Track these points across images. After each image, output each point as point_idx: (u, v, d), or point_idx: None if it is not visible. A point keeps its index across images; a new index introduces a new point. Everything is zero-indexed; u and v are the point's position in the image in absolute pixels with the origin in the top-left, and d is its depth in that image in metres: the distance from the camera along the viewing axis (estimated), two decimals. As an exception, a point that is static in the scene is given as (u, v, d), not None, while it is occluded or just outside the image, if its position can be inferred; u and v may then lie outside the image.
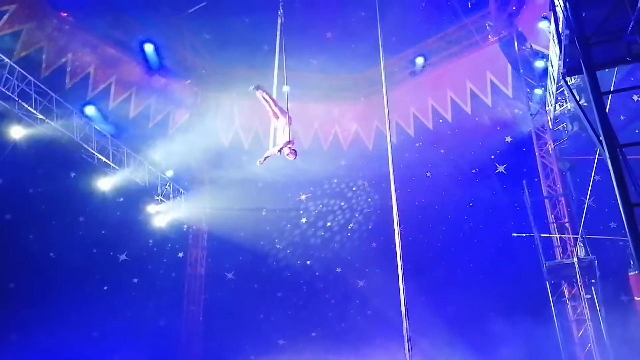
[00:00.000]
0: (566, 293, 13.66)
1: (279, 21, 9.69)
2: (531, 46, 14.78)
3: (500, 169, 16.56)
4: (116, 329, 14.34)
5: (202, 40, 16.14)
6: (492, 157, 16.53)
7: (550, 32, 10.49)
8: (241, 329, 15.72)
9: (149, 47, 15.25)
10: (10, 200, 14.05)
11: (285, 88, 9.51)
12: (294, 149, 8.53)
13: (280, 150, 8.54)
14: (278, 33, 9.61)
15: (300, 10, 13.94)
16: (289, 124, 8.63)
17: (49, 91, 13.15)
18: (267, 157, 8.72)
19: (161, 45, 15.53)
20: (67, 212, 15.16)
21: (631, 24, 6.05)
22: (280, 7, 9.79)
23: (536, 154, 15.16)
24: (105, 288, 15.36)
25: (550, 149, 14.90)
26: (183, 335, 15.91)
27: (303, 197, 17.71)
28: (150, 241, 16.31)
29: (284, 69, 9.50)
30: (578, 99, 9.23)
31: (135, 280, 15.85)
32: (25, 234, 14.62)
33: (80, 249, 15.14)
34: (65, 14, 14.10)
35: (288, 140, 8.48)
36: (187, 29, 15.75)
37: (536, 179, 15.05)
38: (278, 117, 8.71)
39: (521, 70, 15.12)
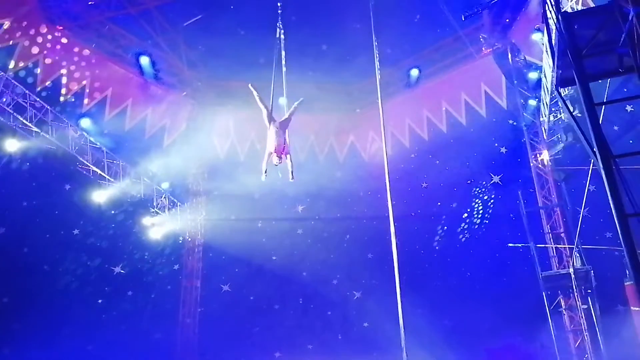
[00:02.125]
0: (563, 303, 13.64)
1: (278, 32, 9.77)
2: (525, 58, 14.89)
3: (496, 179, 16.62)
4: (111, 342, 14.23)
5: (197, 52, 16.20)
6: (487, 167, 16.58)
7: (543, 44, 10.60)
8: (237, 341, 15.62)
9: (144, 60, 15.29)
10: (4, 213, 14.00)
11: (283, 100, 9.57)
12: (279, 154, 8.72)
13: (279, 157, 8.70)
14: (278, 31, 9.69)
15: (296, 22, 14.01)
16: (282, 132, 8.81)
17: (44, 104, 13.18)
18: (266, 167, 8.86)
19: (157, 58, 15.58)
20: (62, 225, 15.10)
21: (623, 37, 6.11)
22: (279, 23, 9.87)
23: (531, 164, 15.22)
24: (99, 301, 15.28)
25: (545, 160, 14.96)
26: (178, 348, 15.78)
27: (299, 208, 17.69)
28: (146, 253, 16.24)
29: (283, 81, 9.58)
30: (572, 110, 9.29)
31: (130, 292, 15.76)
32: (19, 247, 14.53)
33: (74, 262, 15.10)
34: (60, 28, 14.15)
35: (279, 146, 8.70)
36: (182, 41, 15.81)
37: (531, 190, 15.09)
38: (277, 126, 8.85)
39: (515, 82, 15.20)
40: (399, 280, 7.71)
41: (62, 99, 14.66)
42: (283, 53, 9.75)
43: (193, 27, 15.15)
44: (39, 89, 13.95)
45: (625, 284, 12.35)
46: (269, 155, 8.81)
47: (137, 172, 15.44)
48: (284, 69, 9.72)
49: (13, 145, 12.89)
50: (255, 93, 9.22)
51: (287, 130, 9.00)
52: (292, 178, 8.94)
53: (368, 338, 15.52)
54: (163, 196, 16.32)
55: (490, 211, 16.37)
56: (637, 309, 11.71)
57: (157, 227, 16.09)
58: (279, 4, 9.79)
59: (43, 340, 13.43)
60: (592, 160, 6.29)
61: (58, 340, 13.50)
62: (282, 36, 9.81)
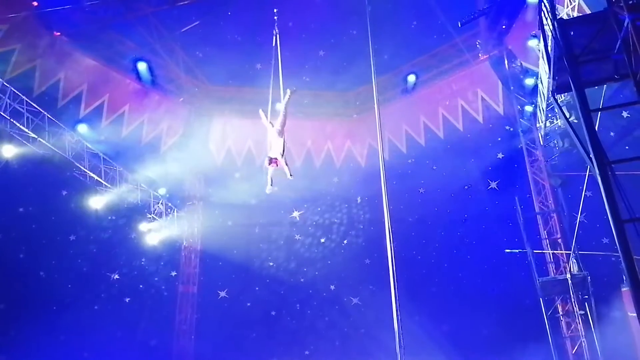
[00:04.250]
0: (560, 309, 13.66)
1: (275, 40, 9.81)
2: (521, 64, 14.96)
3: (493, 185, 16.63)
4: (107, 349, 14.16)
5: (194, 58, 16.22)
6: (484, 173, 16.60)
7: (539, 51, 10.64)
8: (234, 348, 15.54)
9: (142, 65, 15.31)
10: (0, 219, 13.93)
11: (279, 106, 9.60)
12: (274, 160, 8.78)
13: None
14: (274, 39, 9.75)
15: (294, 28, 14.07)
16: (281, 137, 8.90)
17: (41, 110, 13.13)
18: (271, 177, 8.91)
19: (154, 64, 15.59)
20: (59, 231, 15.04)
21: (618, 43, 6.14)
22: (276, 27, 9.91)
23: (528, 170, 15.26)
24: (95, 307, 15.18)
25: (541, 165, 15.01)
26: (174, 355, 15.69)
27: (296, 214, 17.67)
28: (143, 260, 16.17)
29: (281, 87, 9.61)
30: (568, 116, 9.34)
31: (127, 299, 15.68)
32: (15, 253, 14.48)
33: (71, 268, 15.02)
34: (58, 33, 14.14)
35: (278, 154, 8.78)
36: (180, 47, 15.83)
37: (528, 195, 15.12)
38: (275, 131, 8.95)
39: (512, 88, 15.28)
40: (396, 286, 7.69)
41: (59, 104, 14.64)
42: (280, 59, 9.78)
43: (190, 34, 15.18)
44: (36, 94, 13.92)
45: (622, 289, 12.37)
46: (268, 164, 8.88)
47: (134, 178, 15.41)
48: (280, 74, 9.74)
49: (9, 151, 12.83)
50: (263, 117, 9.27)
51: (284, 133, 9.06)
52: (291, 175, 8.95)
53: (365, 344, 15.47)
54: (160, 202, 16.28)
55: (487, 217, 16.36)
56: (634, 314, 11.71)
57: (153, 233, 16.04)
58: (275, 10, 9.82)
59: (39, 346, 13.36)
60: (589, 166, 6.31)
61: (54, 347, 13.44)
62: (278, 43, 9.84)
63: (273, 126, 9.06)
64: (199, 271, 17.02)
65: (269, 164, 8.78)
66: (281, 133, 8.98)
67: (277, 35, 9.86)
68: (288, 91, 9.35)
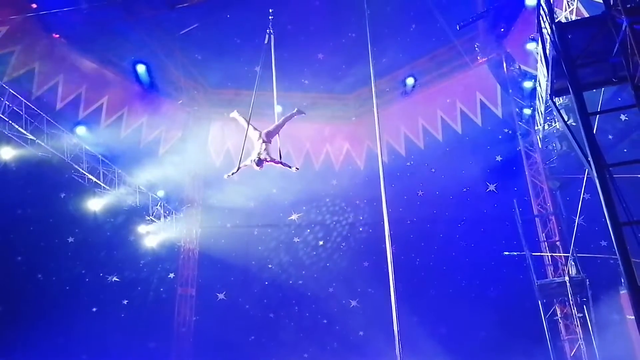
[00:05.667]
0: (558, 312, 13.66)
1: (267, 38, 9.84)
2: (519, 67, 15.00)
3: (491, 187, 16.65)
4: (105, 351, 14.13)
5: (194, 61, 16.23)
6: (483, 176, 16.61)
7: (538, 54, 10.67)
8: (232, 350, 15.51)
9: (141, 68, 15.32)
10: (-2, 221, 13.93)
11: (278, 108, 9.63)
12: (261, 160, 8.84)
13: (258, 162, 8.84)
14: (267, 37, 9.78)
15: (292, 31, 14.11)
16: (268, 143, 8.96)
17: (39, 112, 13.14)
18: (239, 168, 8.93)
19: (153, 66, 15.60)
20: (57, 233, 15.02)
21: (616, 46, 6.16)
22: (270, 27, 9.94)
23: (526, 173, 15.28)
24: (94, 310, 15.16)
25: (539, 168, 15.03)
26: (173, 357, 15.67)
27: (295, 216, 17.66)
28: (141, 262, 16.15)
29: (274, 89, 9.63)
30: (566, 119, 9.37)
31: (125, 301, 15.65)
32: (13, 256, 14.46)
33: (69, 270, 15.00)
34: (57, 35, 14.15)
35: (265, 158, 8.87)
36: (179, 49, 15.83)
37: (526, 198, 15.14)
38: (260, 135, 8.96)
39: (510, 91, 15.32)
40: (395, 289, 7.70)
41: (57, 106, 14.64)
42: (273, 59, 9.81)
43: (189, 36, 15.19)
44: (34, 96, 13.93)
45: (621, 292, 12.37)
46: (250, 162, 8.93)
47: (132, 180, 15.41)
48: (274, 74, 9.78)
49: (8, 153, 12.87)
50: (237, 117, 9.33)
51: (273, 140, 9.09)
52: (297, 169, 9.14)
53: (364, 347, 15.44)
54: (158, 204, 16.28)
55: (485, 219, 16.37)
56: (632, 317, 11.71)
57: (152, 235, 16.04)
58: (270, 10, 9.86)
59: (37, 348, 13.33)
60: (587, 169, 6.32)
61: (52, 349, 13.40)
62: (272, 43, 9.86)
63: (255, 129, 9.09)
64: (198, 273, 17.00)
65: (257, 166, 8.82)
66: (270, 136, 9.02)
67: (271, 35, 9.88)
68: (295, 110, 9.45)
